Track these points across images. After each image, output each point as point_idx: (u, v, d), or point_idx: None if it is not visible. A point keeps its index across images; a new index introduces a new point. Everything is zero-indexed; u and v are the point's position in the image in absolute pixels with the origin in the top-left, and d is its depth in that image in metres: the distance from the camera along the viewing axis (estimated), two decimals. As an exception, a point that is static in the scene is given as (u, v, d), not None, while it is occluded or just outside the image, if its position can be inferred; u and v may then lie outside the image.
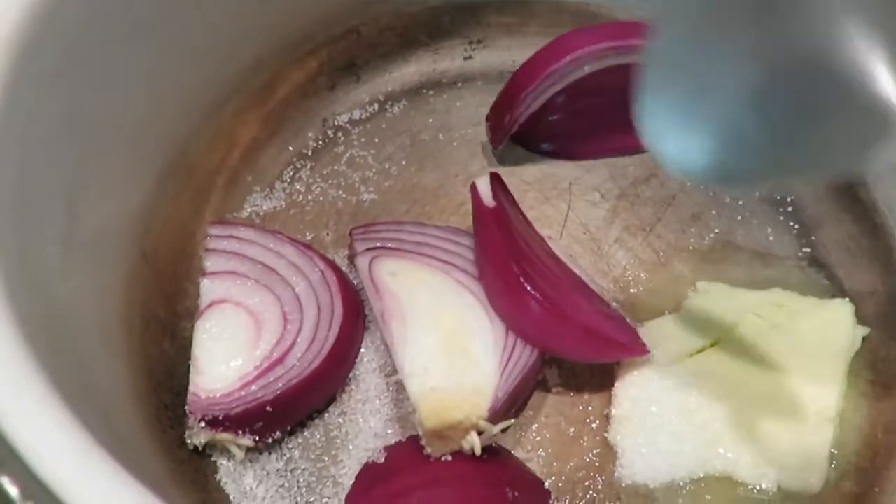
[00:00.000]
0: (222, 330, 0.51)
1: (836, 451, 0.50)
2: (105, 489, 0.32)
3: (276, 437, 0.51)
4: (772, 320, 0.53)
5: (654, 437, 0.50)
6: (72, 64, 0.45)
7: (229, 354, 0.50)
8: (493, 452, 0.49)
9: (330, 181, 0.62)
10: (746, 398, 0.51)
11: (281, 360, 0.50)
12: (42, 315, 0.39)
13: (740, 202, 0.61)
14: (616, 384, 0.52)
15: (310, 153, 0.64)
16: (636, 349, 0.51)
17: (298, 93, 0.65)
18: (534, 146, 0.63)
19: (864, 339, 0.53)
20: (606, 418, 0.52)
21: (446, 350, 0.50)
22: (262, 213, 0.61)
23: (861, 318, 0.54)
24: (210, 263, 0.53)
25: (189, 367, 0.50)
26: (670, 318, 0.55)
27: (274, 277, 0.53)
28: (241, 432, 0.49)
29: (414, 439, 0.50)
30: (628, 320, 0.53)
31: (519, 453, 0.51)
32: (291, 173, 0.63)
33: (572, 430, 0.52)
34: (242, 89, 0.62)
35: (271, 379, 0.49)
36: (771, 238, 0.59)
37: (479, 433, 0.48)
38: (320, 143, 0.64)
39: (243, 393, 0.49)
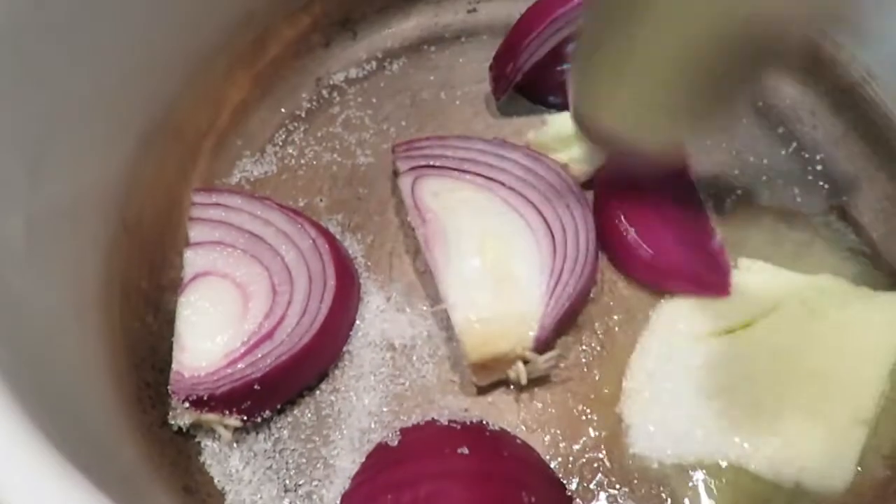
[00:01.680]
0: (207, 304, 0.49)
1: (871, 450, 0.46)
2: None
3: (264, 416, 0.48)
4: (814, 307, 0.50)
5: (664, 415, 0.48)
6: (38, 9, 0.41)
7: (215, 330, 0.48)
8: (515, 448, 0.47)
9: (324, 144, 0.59)
10: (773, 388, 0.48)
11: (270, 334, 0.48)
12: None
13: (765, 161, 0.56)
14: (632, 356, 0.48)
15: (303, 115, 0.61)
16: (713, 287, 0.50)
17: (291, 51, 0.63)
18: (540, 99, 0.59)
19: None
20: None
21: (491, 276, 0.49)
22: (252, 179, 0.58)
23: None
24: (194, 233, 0.52)
25: (173, 343, 0.47)
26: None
27: (262, 246, 0.51)
28: (227, 412, 0.47)
29: (431, 423, 0.48)
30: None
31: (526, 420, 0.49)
32: (284, 136, 0.60)
33: (584, 402, 0.49)
34: (232, 46, 0.60)
35: (259, 355, 0.47)
36: (798, 199, 0.55)
37: (525, 363, 0.48)
38: (314, 103, 0.61)
39: (229, 371, 0.47)
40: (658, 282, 0.52)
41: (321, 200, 0.57)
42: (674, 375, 0.48)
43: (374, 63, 0.63)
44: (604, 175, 0.54)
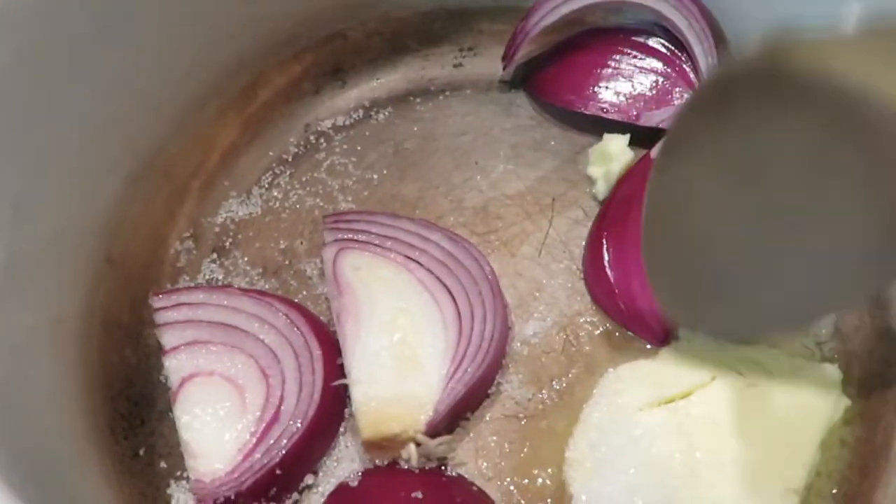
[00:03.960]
0: (204, 405, 0.50)
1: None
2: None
3: (291, 498, 0.50)
4: (751, 378, 0.52)
5: (605, 486, 0.50)
6: (25, 58, 0.45)
7: (220, 429, 0.49)
8: (470, 495, 0.50)
9: (308, 188, 0.62)
10: (708, 458, 0.50)
11: (275, 418, 0.49)
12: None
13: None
14: (575, 426, 0.52)
15: (290, 159, 0.64)
16: (652, 336, 0.54)
17: (281, 96, 0.66)
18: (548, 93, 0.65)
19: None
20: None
21: (396, 355, 0.51)
22: (237, 219, 0.61)
23: (844, 354, 0.54)
24: (166, 339, 0.52)
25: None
26: (644, 363, 0.55)
27: (239, 335, 0.52)
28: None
29: (392, 466, 0.51)
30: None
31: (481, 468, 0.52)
32: (270, 179, 0.63)
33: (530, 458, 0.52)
34: (223, 91, 0.63)
35: (272, 441, 0.49)
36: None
37: (417, 445, 0.49)
38: (301, 148, 0.64)
39: (248, 464, 0.48)
40: (609, 308, 0.56)
41: (302, 243, 0.60)
42: (614, 446, 0.50)
43: (360, 111, 0.66)
44: (615, 200, 0.58)
